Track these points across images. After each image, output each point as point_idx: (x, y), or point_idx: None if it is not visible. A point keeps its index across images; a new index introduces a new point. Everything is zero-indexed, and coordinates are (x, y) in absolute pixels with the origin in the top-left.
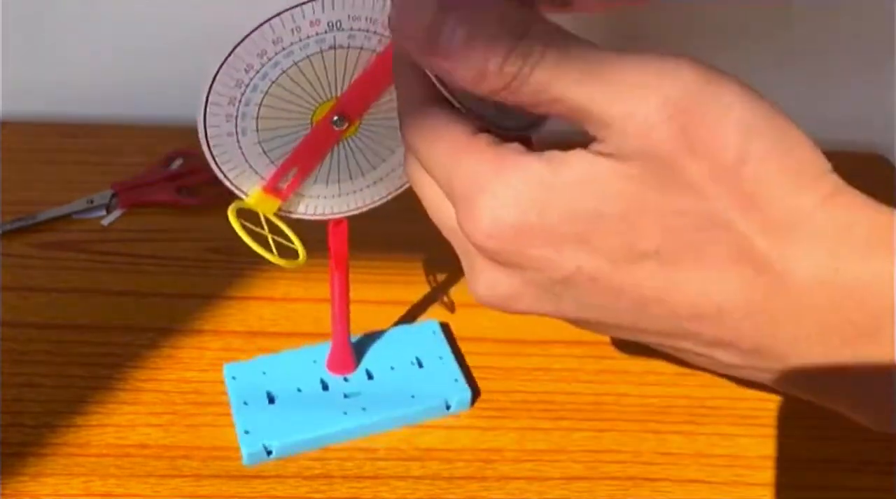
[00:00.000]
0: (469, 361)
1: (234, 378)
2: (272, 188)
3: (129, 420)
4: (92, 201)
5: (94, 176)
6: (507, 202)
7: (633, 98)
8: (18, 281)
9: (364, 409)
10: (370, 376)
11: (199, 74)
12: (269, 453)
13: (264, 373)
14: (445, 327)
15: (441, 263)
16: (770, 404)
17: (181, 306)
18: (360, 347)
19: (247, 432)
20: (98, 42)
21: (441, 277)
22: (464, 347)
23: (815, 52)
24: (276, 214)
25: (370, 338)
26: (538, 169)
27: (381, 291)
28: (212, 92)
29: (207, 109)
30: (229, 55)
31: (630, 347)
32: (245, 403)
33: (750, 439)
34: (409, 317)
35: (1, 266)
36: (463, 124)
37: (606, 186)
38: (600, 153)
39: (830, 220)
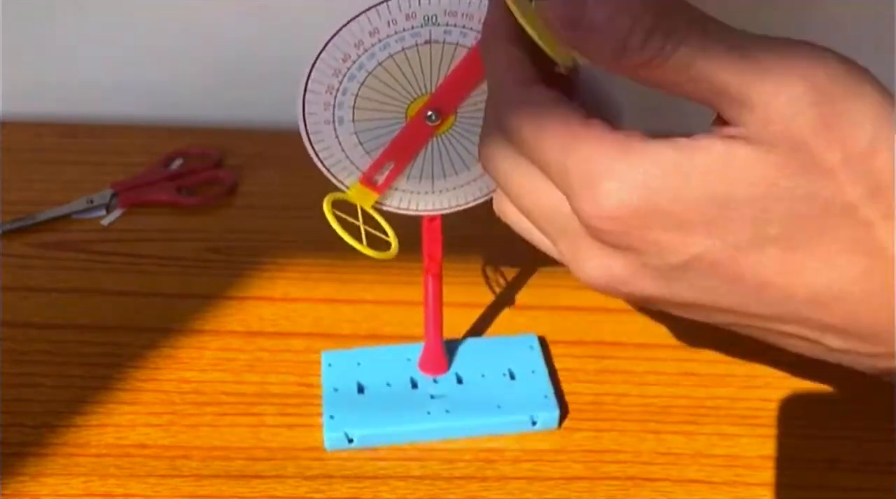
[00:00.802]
0: None
1: (329, 365)
2: (368, 181)
3: (128, 420)
4: (92, 201)
5: (93, 176)
6: (636, 185)
7: (779, 83)
8: (18, 281)
9: (448, 412)
10: (460, 381)
11: (200, 75)
12: (350, 440)
13: (359, 364)
14: (542, 342)
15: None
16: (770, 403)
17: (181, 306)
18: (453, 351)
19: (332, 417)
20: (98, 42)
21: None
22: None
23: None
24: (371, 207)
25: (465, 343)
26: (669, 155)
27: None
28: (310, 79)
29: (306, 96)
30: (327, 44)
31: (630, 347)
32: (335, 389)
33: (750, 439)
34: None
35: (1, 266)
36: (573, 108)
37: (741, 173)
38: (735, 138)
39: None
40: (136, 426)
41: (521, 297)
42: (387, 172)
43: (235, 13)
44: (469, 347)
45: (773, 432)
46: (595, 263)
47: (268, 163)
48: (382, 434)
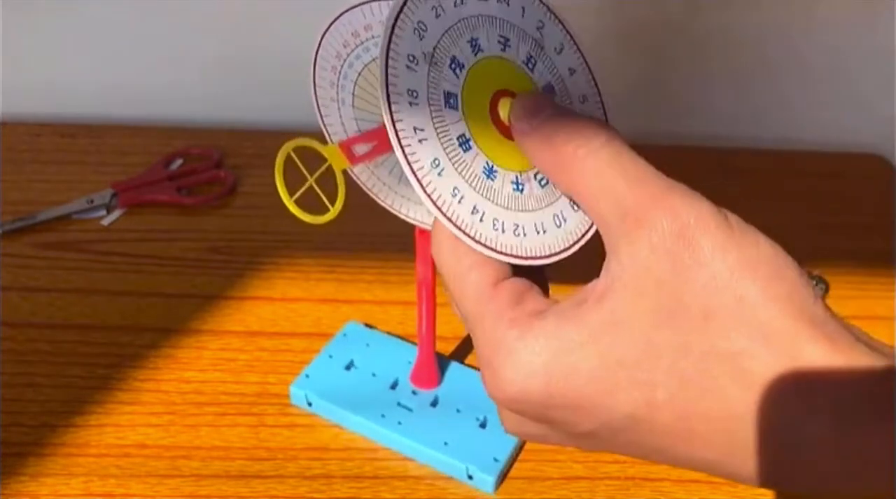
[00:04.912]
0: (466, 360)
1: (344, 335)
2: (348, 147)
3: (128, 420)
4: (92, 201)
5: (93, 176)
6: (533, 372)
7: (643, 227)
8: (18, 281)
9: (399, 424)
10: (434, 404)
11: (200, 75)
12: (309, 403)
13: (367, 345)
14: None
15: None
16: None
17: (181, 306)
18: (453, 373)
19: (307, 377)
20: (99, 43)
21: None
22: (456, 344)
23: (815, 53)
24: (343, 172)
25: (468, 371)
26: (561, 331)
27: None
28: (318, 55)
29: (316, 70)
30: (330, 26)
31: None
32: (330, 356)
33: None
34: None
35: (1, 266)
36: (488, 271)
37: (623, 331)
38: (612, 289)
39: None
40: (136, 426)
41: None
42: (368, 151)
43: (236, 14)
44: (468, 377)
45: None
46: (511, 422)
47: (268, 163)
48: (336, 413)
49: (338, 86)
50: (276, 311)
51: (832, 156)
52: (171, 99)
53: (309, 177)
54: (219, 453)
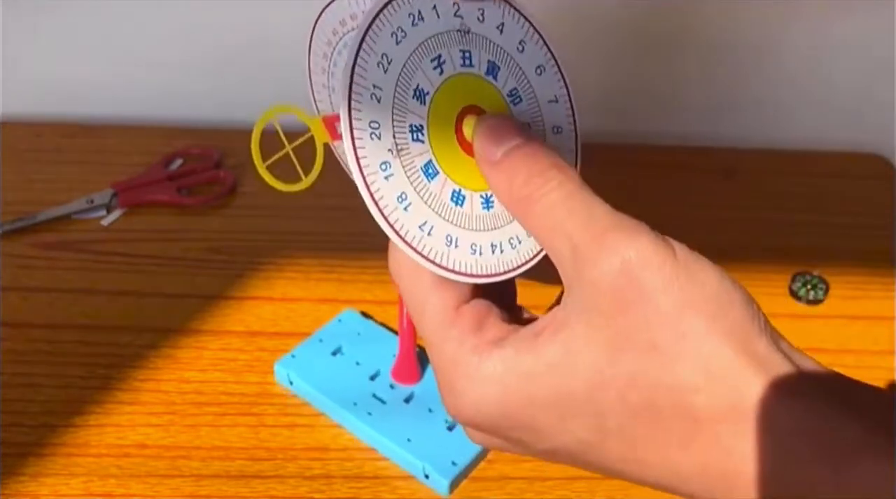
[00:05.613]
0: None
1: (339, 321)
2: (331, 124)
3: (128, 420)
4: (92, 201)
5: (94, 176)
6: (490, 397)
7: (598, 259)
8: (18, 281)
9: (369, 415)
10: (408, 400)
11: (200, 75)
12: (291, 382)
13: (359, 333)
14: None
15: None
16: None
17: (181, 306)
18: (432, 376)
19: (293, 357)
20: (99, 42)
21: None
22: None
23: (815, 52)
24: (324, 144)
25: None
26: (517, 362)
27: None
28: (313, 40)
29: (311, 56)
30: (322, 13)
31: None
32: (321, 340)
33: None
34: None
35: (1, 266)
36: (450, 294)
37: (576, 362)
38: (568, 322)
39: None
40: (136, 426)
41: None
42: None
43: (236, 14)
44: None
45: None
46: (473, 436)
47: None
48: (313, 396)
49: (328, 73)
50: (276, 311)
51: (832, 156)
52: (171, 99)
53: (287, 144)
54: (219, 453)
